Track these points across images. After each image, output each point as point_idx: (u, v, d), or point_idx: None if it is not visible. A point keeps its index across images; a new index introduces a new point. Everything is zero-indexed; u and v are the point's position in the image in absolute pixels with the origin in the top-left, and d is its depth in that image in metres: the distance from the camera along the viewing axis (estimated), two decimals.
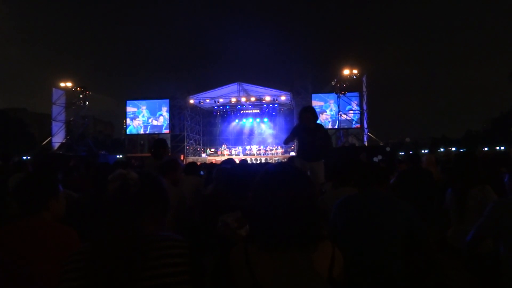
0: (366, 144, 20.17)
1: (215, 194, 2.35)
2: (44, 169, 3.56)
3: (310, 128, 4.94)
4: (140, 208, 1.28)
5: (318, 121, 5.18)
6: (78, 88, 21.43)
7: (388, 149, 15.15)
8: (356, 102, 21.23)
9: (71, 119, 22.42)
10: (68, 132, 22.32)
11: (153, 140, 6.09)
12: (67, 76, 21.85)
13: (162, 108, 23.53)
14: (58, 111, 21.73)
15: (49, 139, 21.82)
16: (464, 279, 2.62)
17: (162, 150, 4.73)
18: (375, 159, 11.24)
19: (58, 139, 21.72)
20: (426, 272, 2.20)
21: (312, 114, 5.00)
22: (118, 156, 22.99)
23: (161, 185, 1.40)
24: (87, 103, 21.87)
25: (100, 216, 1.26)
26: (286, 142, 5.62)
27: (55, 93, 21.49)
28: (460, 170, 3.15)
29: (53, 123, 21.60)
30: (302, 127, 5.03)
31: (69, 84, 21.31)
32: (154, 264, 1.18)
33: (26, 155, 18.33)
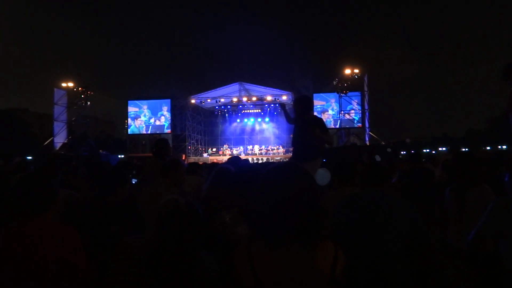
0: (368, 144, 20.15)
1: (209, 194, 2.36)
2: (48, 170, 3.57)
3: (304, 120, 4.28)
4: (185, 227, 1.59)
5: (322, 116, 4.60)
6: (80, 88, 21.46)
7: (389, 150, 15.09)
8: (357, 101, 21.22)
9: (73, 119, 22.48)
10: (70, 132, 22.38)
11: (154, 140, 6.10)
12: (69, 76, 21.92)
13: (163, 108, 23.55)
14: (60, 111, 21.78)
15: (51, 139, 21.87)
16: (465, 279, 2.62)
17: (163, 150, 4.73)
18: (377, 158, 11.20)
19: (60, 139, 21.78)
20: (428, 272, 2.20)
21: (298, 104, 4.38)
22: (120, 156, 23.02)
23: (199, 212, 1.68)
24: (88, 103, 21.92)
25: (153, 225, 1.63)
26: (289, 121, 4.80)
27: (57, 93, 21.54)
28: (459, 170, 3.15)
29: (55, 123, 21.66)
30: (296, 119, 4.43)
31: (70, 84, 21.35)
32: (192, 274, 1.53)
33: (28, 155, 18.35)
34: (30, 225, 1.82)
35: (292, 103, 23.40)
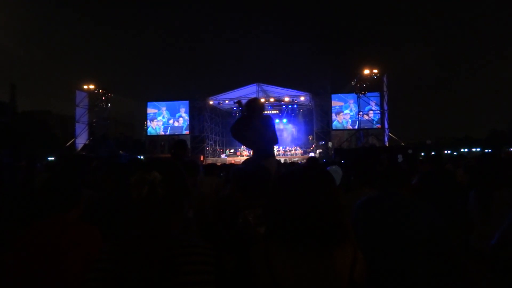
0: (387, 145, 19.90)
1: (231, 194, 2.36)
2: (72, 170, 3.65)
3: (257, 121, 4.09)
4: (168, 210, 1.25)
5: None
6: (101, 91, 21.98)
7: (410, 151, 14.88)
8: (376, 102, 20.98)
9: (94, 120, 22.96)
10: (91, 133, 22.88)
11: (173, 141, 6.16)
12: (90, 79, 22.46)
13: (182, 110, 23.81)
14: (81, 113, 22.31)
15: (72, 140, 22.40)
16: (488, 283, 2.56)
17: (182, 151, 4.76)
18: (399, 158, 11.04)
19: (81, 140, 22.29)
20: (449, 276, 2.16)
21: (250, 106, 4.15)
22: (139, 157, 23.34)
23: (184, 182, 1.35)
24: (109, 105, 22.37)
25: (124, 218, 1.25)
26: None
27: (78, 96, 22.08)
28: (484, 172, 3.08)
29: (77, 124, 22.21)
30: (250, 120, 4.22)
31: (91, 87, 21.87)
32: (181, 270, 1.15)
33: (51, 156, 18.83)
34: (53, 223, 1.85)
35: (312, 107, 23.39)
